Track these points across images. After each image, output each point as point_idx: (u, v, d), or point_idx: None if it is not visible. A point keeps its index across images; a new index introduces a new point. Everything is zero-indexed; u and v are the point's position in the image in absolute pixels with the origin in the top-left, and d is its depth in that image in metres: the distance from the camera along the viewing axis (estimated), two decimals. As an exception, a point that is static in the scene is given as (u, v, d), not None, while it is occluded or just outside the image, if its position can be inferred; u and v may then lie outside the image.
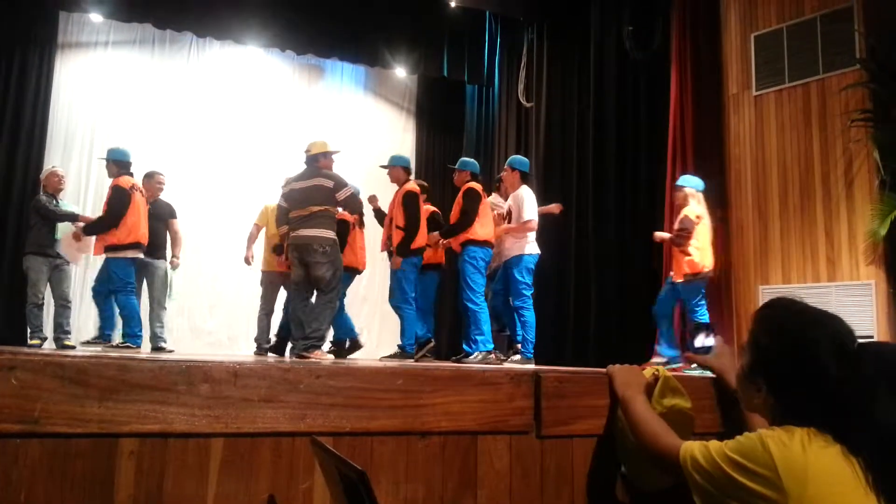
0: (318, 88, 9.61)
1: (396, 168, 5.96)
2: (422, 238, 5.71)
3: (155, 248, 6.17)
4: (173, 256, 6.43)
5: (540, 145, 8.38)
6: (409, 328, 5.73)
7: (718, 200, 6.35)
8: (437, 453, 1.65)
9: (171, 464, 1.41)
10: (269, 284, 6.39)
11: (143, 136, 8.43)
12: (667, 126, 6.66)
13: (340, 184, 5.21)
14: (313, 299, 5.26)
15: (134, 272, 5.82)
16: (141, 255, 5.86)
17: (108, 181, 5.86)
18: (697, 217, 5.52)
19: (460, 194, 5.68)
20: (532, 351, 5.58)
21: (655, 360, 5.49)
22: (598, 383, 1.81)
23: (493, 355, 5.41)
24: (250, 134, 8.99)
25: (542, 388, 1.76)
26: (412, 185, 5.85)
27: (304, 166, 5.41)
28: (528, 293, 5.62)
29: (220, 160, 8.67)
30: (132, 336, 5.66)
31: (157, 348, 6.07)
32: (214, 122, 8.83)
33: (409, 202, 5.66)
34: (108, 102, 8.37)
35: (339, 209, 5.41)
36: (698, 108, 6.49)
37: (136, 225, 5.72)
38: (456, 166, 5.97)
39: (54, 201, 6.12)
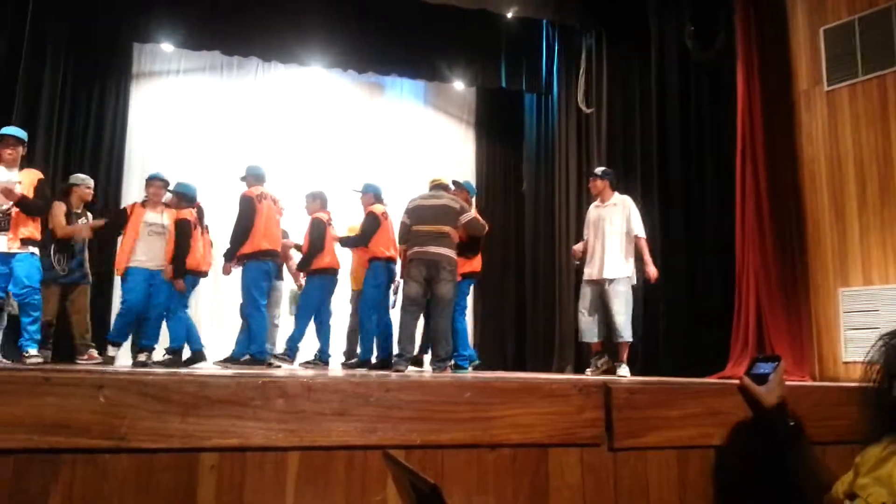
0: (380, 104, 9.76)
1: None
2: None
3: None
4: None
5: (602, 151, 8.25)
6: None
7: (792, 201, 6.13)
8: (507, 465, 1.64)
9: (249, 477, 1.46)
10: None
11: (214, 156, 8.75)
12: (734, 127, 6.45)
13: (465, 208, 5.54)
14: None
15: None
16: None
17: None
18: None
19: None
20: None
21: None
22: (671, 394, 1.77)
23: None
24: (315, 151, 9.20)
25: (613, 399, 1.73)
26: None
27: (429, 190, 5.69)
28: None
29: (285, 177, 8.89)
30: None
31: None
32: (280, 140, 9.09)
33: None
34: (182, 127, 8.75)
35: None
36: (767, 106, 6.26)
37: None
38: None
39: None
